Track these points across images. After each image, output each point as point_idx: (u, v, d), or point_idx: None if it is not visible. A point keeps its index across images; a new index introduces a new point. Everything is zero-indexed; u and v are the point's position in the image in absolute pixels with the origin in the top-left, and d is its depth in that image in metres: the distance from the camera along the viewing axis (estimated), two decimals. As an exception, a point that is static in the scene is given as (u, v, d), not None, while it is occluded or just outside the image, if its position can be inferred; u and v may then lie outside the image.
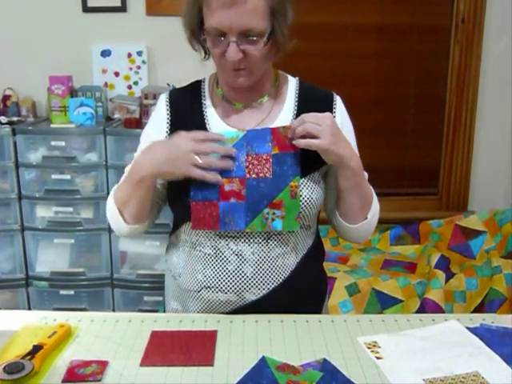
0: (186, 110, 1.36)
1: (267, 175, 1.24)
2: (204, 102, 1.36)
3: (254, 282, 1.28)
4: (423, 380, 0.99)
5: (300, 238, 1.32)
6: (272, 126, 1.27)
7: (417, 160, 3.01)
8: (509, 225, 2.58)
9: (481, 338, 1.12)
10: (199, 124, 1.32)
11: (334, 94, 1.39)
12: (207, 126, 1.33)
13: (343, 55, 2.89)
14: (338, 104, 1.39)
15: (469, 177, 2.97)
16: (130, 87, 2.83)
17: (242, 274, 1.27)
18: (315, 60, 2.88)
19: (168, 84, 2.70)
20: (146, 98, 2.70)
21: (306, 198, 1.27)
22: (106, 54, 2.80)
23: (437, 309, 2.30)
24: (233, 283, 1.28)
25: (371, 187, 1.39)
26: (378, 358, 1.07)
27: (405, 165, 3.01)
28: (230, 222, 1.24)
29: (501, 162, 2.95)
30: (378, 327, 1.19)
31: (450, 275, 2.42)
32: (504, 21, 2.80)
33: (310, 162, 1.27)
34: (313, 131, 1.20)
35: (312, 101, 1.35)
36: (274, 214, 1.24)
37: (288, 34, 1.25)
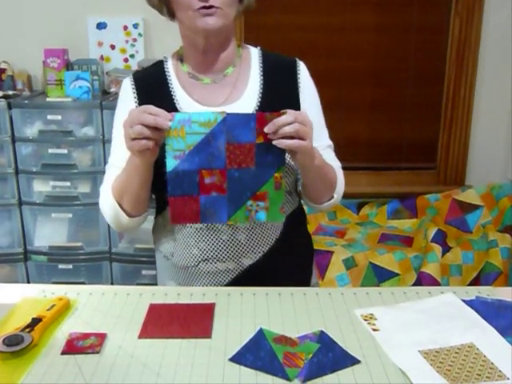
0: (154, 92, 1.33)
1: (250, 165, 1.14)
2: (170, 81, 1.34)
3: (249, 247, 1.31)
4: (419, 351, 1.00)
5: (285, 202, 1.34)
6: (256, 111, 1.24)
7: (415, 134, 3.00)
8: (506, 199, 2.59)
9: (476, 311, 1.13)
10: (169, 105, 1.29)
11: (297, 60, 1.38)
12: (177, 106, 1.31)
13: (342, 28, 2.86)
14: (302, 70, 1.37)
15: (467, 151, 2.97)
16: (126, 60, 2.80)
17: (237, 242, 1.30)
18: (313, 33, 2.85)
19: (165, 57, 2.67)
20: (143, 72, 2.67)
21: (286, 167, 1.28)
22: (101, 26, 2.77)
23: (433, 282, 2.32)
24: (229, 251, 1.30)
25: (336, 163, 1.39)
26: (374, 329, 1.08)
27: (403, 139, 3.00)
28: (212, 215, 1.17)
29: (499, 136, 2.94)
30: (374, 300, 1.20)
31: (446, 249, 2.43)
32: (504, -7, 2.77)
33: None
34: (301, 133, 1.12)
35: (276, 69, 1.36)
36: (257, 205, 1.17)
37: None
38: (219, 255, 1.31)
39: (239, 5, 1.30)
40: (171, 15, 1.32)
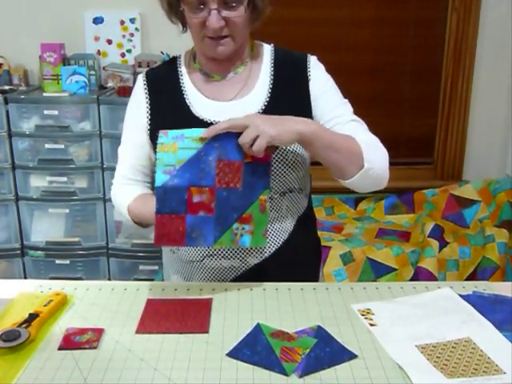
0: (164, 88, 1.35)
1: (238, 186, 1.14)
2: (181, 78, 1.35)
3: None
4: (416, 346, 1.00)
5: (293, 201, 1.33)
6: (265, 106, 1.28)
7: (412, 129, 3.00)
8: (503, 194, 2.60)
9: (473, 305, 1.13)
10: (179, 101, 1.32)
11: (308, 55, 1.36)
12: (187, 101, 1.32)
13: (340, 22, 2.85)
14: (313, 64, 1.35)
15: (464, 146, 2.97)
16: (123, 55, 2.80)
17: None
18: (311, 27, 2.85)
19: (162, 52, 2.67)
20: (140, 66, 2.67)
21: (291, 161, 1.27)
22: (98, 21, 2.75)
23: (430, 277, 2.32)
24: (235, 249, 1.29)
25: (365, 136, 1.29)
26: (371, 324, 1.08)
27: (400, 134, 3.00)
28: (198, 238, 1.14)
29: (496, 131, 2.95)
30: (371, 295, 1.20)
31: (443, 244, 2.44)
32: (502, -13, 2.77)
33: None
34: (251, 136, 1.11)
35: (287, 65, 1.35)
36: (243, 229, 1.16)
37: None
38: (225, 252, 1.30)
39: (255, 22, 1.30)
40: (184, 26, 1.32)
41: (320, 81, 1.34)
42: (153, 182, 1.39)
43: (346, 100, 1.36)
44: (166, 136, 1.13)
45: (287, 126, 1.14)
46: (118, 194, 1.39)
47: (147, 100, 1.35)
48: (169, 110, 1.33)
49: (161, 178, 1.12)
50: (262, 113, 1.28)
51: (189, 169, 1.13)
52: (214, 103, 1.31)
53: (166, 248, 1.44)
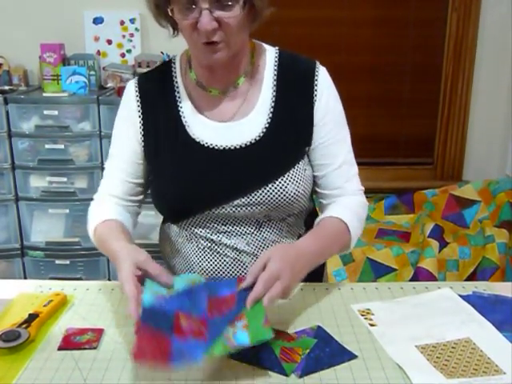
0: (159, 101, 1.24)
1: (231, 307, 1.01)
2: (177, 89, 1.24)
3: None
4: (416, 346, 1.00)
5: (294, 223, 1.27)
6: (264, 132, 1.20)
7: (412, 129, 3.00)
8: (503, 194, 2.60)
9: (473, 306, 1.13)
10: (174, 119, 1.22)
11: (317, 65, 1.24)
12: (183, 120, 1.22)
13: (340, 22, 2.86)
14: (321, 76, 1.23)
15: (464, 146, 2.97)
16: (123, 55, 2.80)
17: (241, 264, 1.24)
18: (311, 28, 2.85)
19: (162, 52, 2.66)
20: (140, 67, 2.67)
21: (291, 193, 1.19)
22: (98, 21, 2.76)
23: (430, 277, 2.32)
24: (233, 272, 1.25)
25: (348, 186, 1.26)
26: (371, 324, 1.08)
27: (400, 134, 3.00)
28: (184, 360, 0.92)
29: (496, 132, 2.95)
30: (371, 295, 1.20)
31: (443, 244, 2.44)
32: (502, -13, 2.77)
33: (292, 153, 1.21)
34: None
35: (292, 75, 1.23)
36: (235, 326, 0.96)
37: None
38: (222, 276, 1.24)
39: (252, 24, 1.17)
40: (175, 29, 1.21)
41: (326, 104, 1.23)
42: (141, 201, 1.32)
43: (344, 133, 1.26)
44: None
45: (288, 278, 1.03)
46: (92, 210, 1.28)
47: (139, 114, 1.24)
48: (163, 128, 1.23)
49: (150, 300, 1.00)
50: (262, 136, 1.19)
51: (179, 298, 1.03)
52: (212, 123, 1.21)
53: (164, 262, 1.37)
